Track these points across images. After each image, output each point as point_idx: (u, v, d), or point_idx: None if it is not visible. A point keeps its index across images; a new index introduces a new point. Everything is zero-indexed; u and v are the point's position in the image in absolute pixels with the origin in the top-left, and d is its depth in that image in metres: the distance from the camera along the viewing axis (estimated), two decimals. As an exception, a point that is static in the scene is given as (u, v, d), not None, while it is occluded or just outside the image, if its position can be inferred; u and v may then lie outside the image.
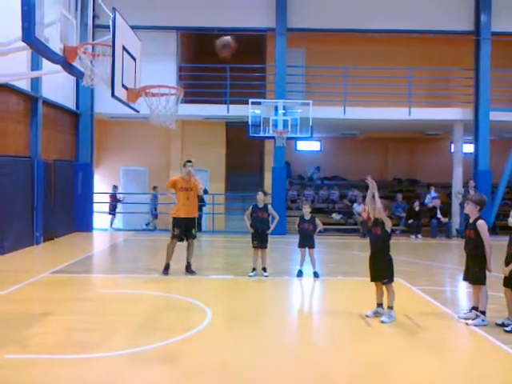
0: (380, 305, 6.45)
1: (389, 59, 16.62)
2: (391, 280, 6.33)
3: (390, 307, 6.27)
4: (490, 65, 15.83)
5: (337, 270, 9.91)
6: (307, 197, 18.24)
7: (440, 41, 16.86)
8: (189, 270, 9.16)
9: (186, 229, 9.06)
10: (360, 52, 16.85)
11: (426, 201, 17.17)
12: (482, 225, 6.13)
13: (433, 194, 17.28)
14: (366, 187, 6.50)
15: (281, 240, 13.57)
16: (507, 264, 5.94)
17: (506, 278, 5.98)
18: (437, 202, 16.78)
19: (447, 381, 4.62)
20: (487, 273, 6.14)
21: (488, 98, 15.87)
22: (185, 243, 9.16)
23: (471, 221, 6.28)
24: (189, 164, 9.18)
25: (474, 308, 6.30)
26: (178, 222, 9.03)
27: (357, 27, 16.05)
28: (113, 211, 17.01)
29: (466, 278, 6.41)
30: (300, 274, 9.09)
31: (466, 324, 6.14)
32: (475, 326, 6.04)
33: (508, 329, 5.85)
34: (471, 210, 6.30)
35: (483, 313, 6.13)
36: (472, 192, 14.79)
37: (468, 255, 6.33)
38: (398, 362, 5.06)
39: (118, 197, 17.25)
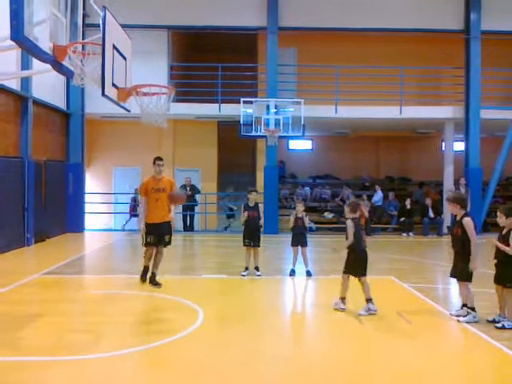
0: (369, 300, 6.50)
1: (380, 58, 16.67)
2: (363, 274, 6.53)
3: (368, 299, 6.42)
4: (480, 63, 15.91)
5: (329, 268, 9.91)
6: (299, 195, 18.25)
7: (430, 39, 16.92)
8: (153, 281, 7.98)
9: (159, 235, 7.95)
10: (351, 51, 16.86)
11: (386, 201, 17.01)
12: (468, 222, 6.16)
13: (379, 193, 17.23)
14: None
15: (273, 239, 13.56)
16: (497, 260, 5.99)
17: (497, 274, 6.02)
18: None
19: (439, 377, 4.64)
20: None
21: (479, 96, 15.95)
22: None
23: (458, 218, 6.32)
24: (159, 163, 8.07)
25: (465, 305, 6.33)
26: (150, 229, 7.90)
27: (348, 26, 16.09)
28: (132, 213, 16.58)
29: (453, 275, 6.44)
30: (293, 272, 9.09)
31: (458, 321, 6.17)
32: (467, 322, 6.08)
33: (499, 325, 5.89)
34: (453, 209, 6.37)
35: (472, 309, 6.17)
36: (463, 190, 14.88)
37: (456, 252, 6.37)
38: (390, 359, 5.07)
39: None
